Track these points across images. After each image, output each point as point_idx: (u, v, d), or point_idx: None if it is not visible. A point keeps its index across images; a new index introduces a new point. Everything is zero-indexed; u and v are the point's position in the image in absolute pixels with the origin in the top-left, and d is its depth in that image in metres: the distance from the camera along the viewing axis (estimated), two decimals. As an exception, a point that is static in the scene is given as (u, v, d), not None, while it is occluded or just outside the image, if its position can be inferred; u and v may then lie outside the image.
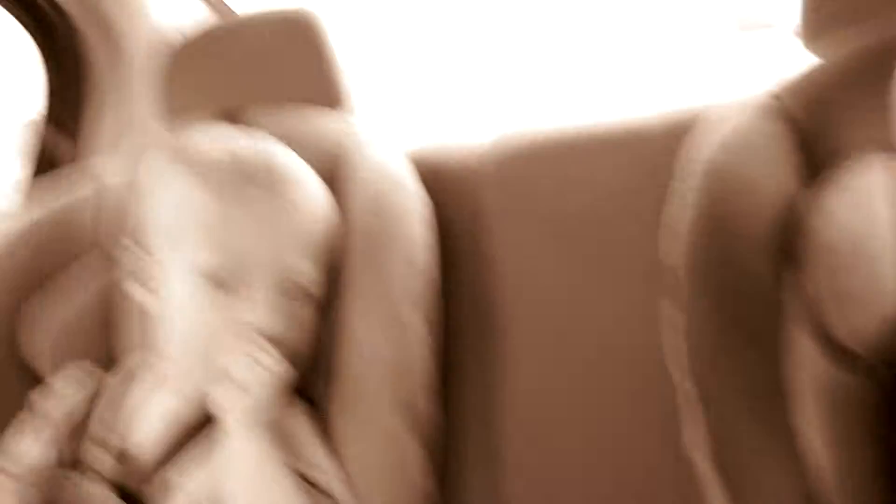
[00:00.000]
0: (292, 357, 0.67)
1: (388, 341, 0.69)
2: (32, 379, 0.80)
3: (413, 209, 0.78)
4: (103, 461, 0.68)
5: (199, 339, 0.66)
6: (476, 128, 1.00)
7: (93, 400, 0.73)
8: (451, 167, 0.92)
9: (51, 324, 0.82)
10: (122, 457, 0.68)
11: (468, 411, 0.89)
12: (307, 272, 0.69)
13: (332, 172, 0.81)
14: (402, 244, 0.74)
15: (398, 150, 0.88)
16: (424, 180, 0.88)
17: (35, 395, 0.75)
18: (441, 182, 0.91)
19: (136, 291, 0.72)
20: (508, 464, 0.88)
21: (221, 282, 0.65)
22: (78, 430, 0.71)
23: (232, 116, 0.88)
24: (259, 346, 0.63)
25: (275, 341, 0.65)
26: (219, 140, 0.72)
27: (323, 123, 0.88)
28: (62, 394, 0.74)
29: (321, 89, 0.92)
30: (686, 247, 0.65)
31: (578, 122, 0.93)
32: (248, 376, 0.62)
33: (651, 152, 0.84)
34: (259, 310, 0.65)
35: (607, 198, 0.86)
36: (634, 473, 0.84)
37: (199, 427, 0.67)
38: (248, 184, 0.67)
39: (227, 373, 0.62)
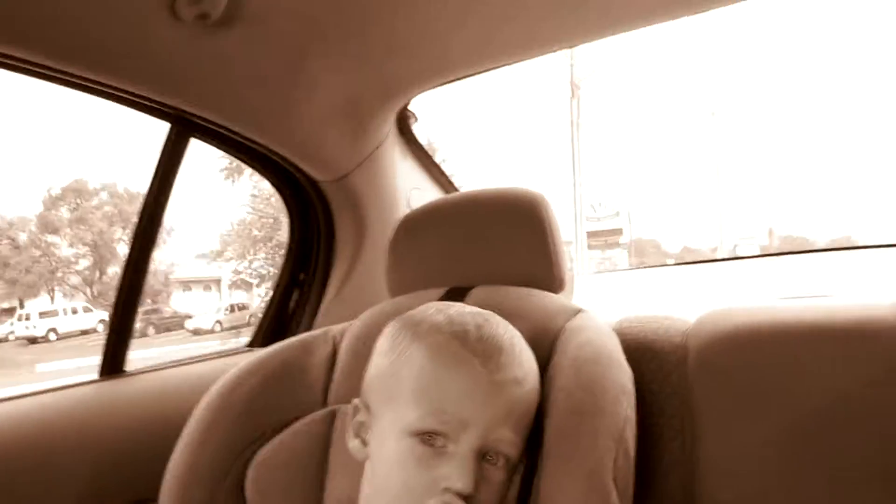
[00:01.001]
0: None
1: None
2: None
3: (619, 386, 0.76)
4: None
5: (404, 494, 0.68)
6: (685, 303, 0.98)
7: None
8: (657, 343, 0.92)
9: (272, 474, 0.87)
10: None
11: None
12: (510, 440, 0.70)
13: (548, 348, 0.83)
14: (606, 420, 0.72)
15: (608, 326, 0.88)
16: (631, 353, 0.88)
17: None
18: (647, 356, 0.91)
19: (353, 445, 0.77)
20: None
21: (428, 441, 0.68)
22: None
23: (459, 291, 0.94)
24: None
25: (469, 500, 0.66)
26: (443, 310, 0.78)
27: (540, 301, 0.91)
28: None
29: (542, 269, 0.96)
30: None
31: (784, 305, 0.90)
32: None
33: (889, 347, 0.79)
34: (461, 472, 0.66)
35: (837, 396, 0.80)
36: None
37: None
38: (463, 349, 0.71)
39: None
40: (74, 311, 7.35)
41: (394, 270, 1.04)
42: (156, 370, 1.26)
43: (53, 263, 7.56)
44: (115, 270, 7.57)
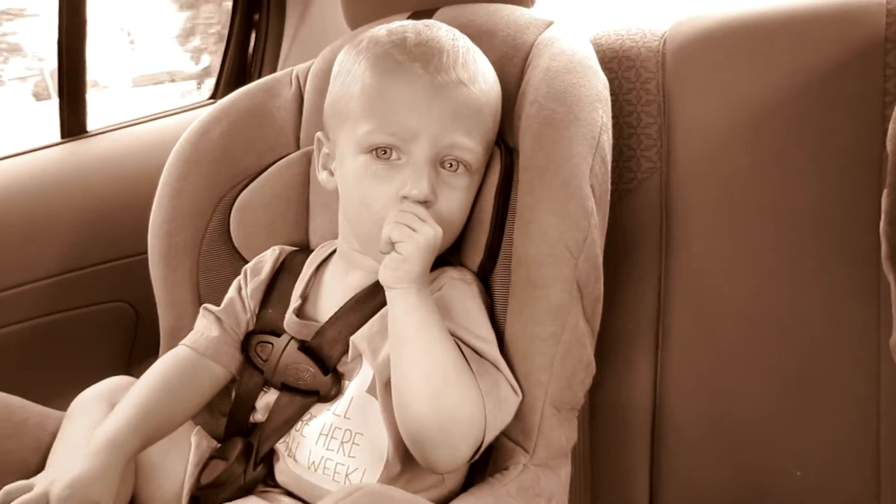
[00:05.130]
0: (447, 223, 0.68)
1: (562, 221, 0.68)
2: (241, 258, 0.88)
3: (595, 94, 0.74)
4: (294, 323, 0.75)
5: (364, 210, 0.69)
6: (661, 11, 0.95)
7: (286, 275, 0.80)
8: (633, 50, 0.89)
9: (256, 214, 0.88)
10: (311, 322, 0.75)
11: (639, 290, 0.88)
12: (464, 145, 0.68)
13: (521, 64, 0.79)
14: (581, 128, 0.70)
15: (583, 36, 0.84)
16: (608, 63, 0.85)
17: (243, 269, 0.83)
18: (624, 64, 0.89)
19: (322, 177, 0.77)
20: (672, 345, 0.87)
21: (382, 156, 0.67)
22: (273, 297, 0.79)
23: (423, 14, 0.88)
24: (416, 216, 0.64)
25: (431, 209, 0.66)
26: (386, 25, 0.73)
27: (510, 15, 0.85)
28: (261, 268, 0.82)
29: None
30: None
31: (757, 5, 0.85)
32: (408, 246, 0.62)
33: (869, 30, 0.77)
34: (415, 179, 0.66)
35: (809, 80, 0.79)
36: (796, 363, 0.82)
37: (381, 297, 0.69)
38: (402, 55, 0.67)
39: (388, 243, 0.63)
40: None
41: (348, 4, 0.96)
42: (119, 128, 1.22)
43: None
44: None
